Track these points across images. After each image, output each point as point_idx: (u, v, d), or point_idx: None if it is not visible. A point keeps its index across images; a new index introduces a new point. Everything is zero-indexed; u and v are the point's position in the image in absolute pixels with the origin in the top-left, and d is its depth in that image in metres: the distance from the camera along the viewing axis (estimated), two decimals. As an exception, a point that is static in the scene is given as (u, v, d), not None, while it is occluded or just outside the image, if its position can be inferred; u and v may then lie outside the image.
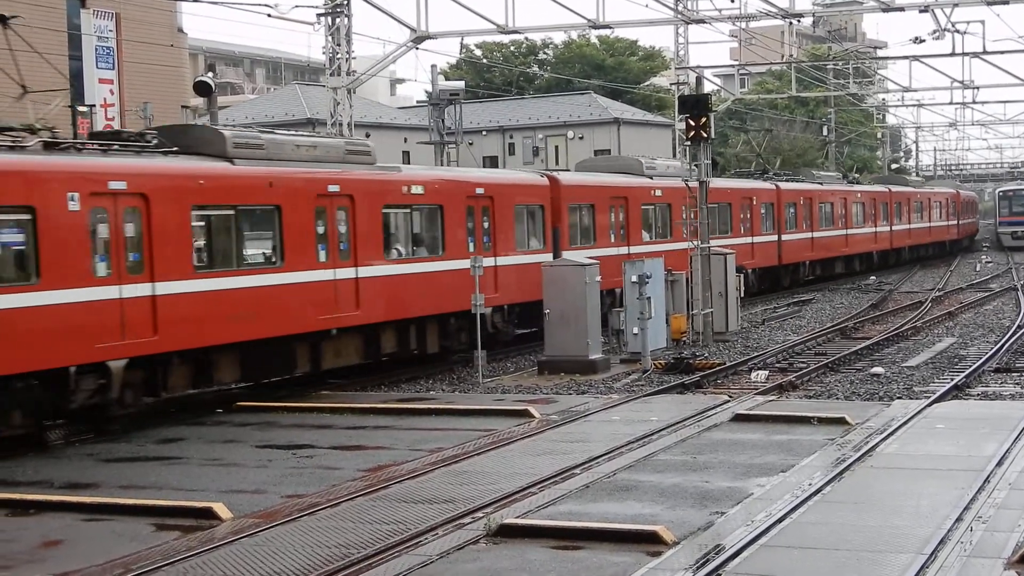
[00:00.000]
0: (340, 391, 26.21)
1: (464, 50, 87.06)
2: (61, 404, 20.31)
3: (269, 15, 33.68)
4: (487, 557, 13.12)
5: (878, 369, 27.66)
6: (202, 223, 23.10)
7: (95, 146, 22.11)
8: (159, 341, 21.59)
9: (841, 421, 20.60)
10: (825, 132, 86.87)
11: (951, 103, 73.37)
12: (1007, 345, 30.96)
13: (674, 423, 20.88)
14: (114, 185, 21.02)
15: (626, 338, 30.28)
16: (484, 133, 71.70)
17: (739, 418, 21.41)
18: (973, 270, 68.22)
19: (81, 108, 30.90)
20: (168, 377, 22.42)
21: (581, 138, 72.21)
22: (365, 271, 26.37)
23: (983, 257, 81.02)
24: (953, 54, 48.92)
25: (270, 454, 19.41)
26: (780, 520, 13.99)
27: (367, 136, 60.26)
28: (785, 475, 16.59)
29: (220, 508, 15.26)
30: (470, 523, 14.42)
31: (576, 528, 13.93)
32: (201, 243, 23.04)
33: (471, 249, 29.82)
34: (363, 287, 26.34)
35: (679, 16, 41.40)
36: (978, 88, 60.21)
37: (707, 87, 48.24)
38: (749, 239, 48.35)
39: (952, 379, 25.59)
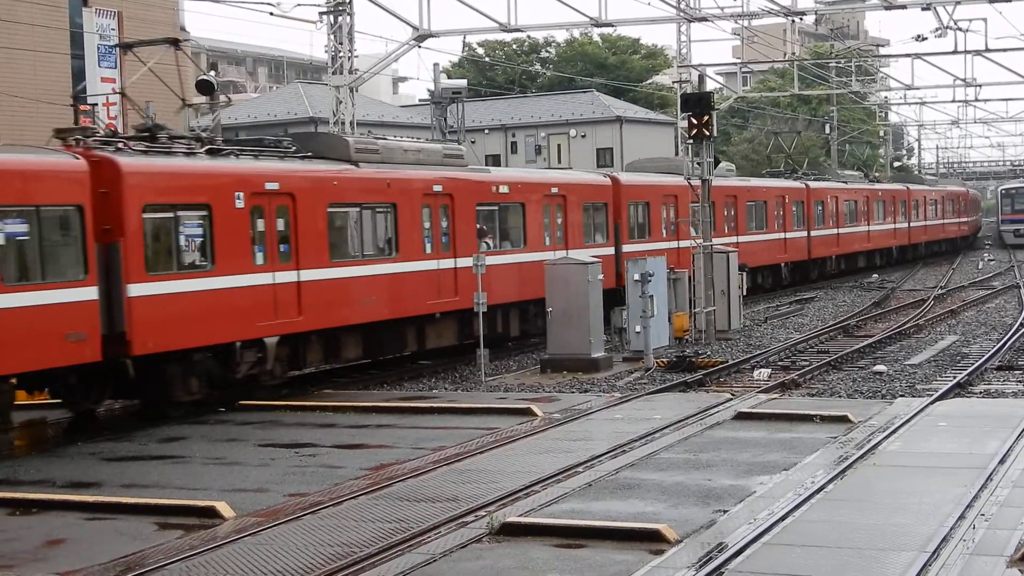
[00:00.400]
0: (342, 390, 26.23)
1: (466, 48, 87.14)
2: (228, 374, 23.67)
3: (271, 14, 33.70)
4: (490, 556, 13.13)
5: (880, 367, 27.66)
6: (335, 218, 26.39)
7: (248, 152, 25.24)
8: (303, 321, 24.99)
9: (843, 419, 20.60)
10: (828, 130, 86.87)
11: (953, 101, 73.42)
12: (1009, 343, 30.95)
13: (676, 421, 20.88)
14: (269, 186, 24.38)
15: (628, 336, 30.28)
16: (487, 132, 71.65)
17: (741, 416, 21.41)
18: (975, 268, 68.19)
19: (83, 107, 30.92)
20: (307, 353, 25.79)
21: (583, 136, 72.17)
22: (463, 262, 29.10)
23: (985, 255, 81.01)
24: (955, 52, 48.88)
25: (272, 453, 19.42)
26: (783, 518, 13.99)
27: (369, 134, 60.33)
28: (787, 473, 16.59)
29: (223, 507, 15.27)
30: (473, 521, 14.43)
31: (579, 526, 13.94)
32: (334, 236, 26.24)
33: (547, 243, 33.26)
34: (460, 276, 29.28)
35: (681, 14, 41.37)
36: (980, 86, 60.10)
37: (709, 85, 48.32)
38: (782, 235, 51.55)
39: (954, 377, 25.59)
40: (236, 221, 23.44)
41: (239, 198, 23.55)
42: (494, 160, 70.72)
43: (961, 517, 13.87)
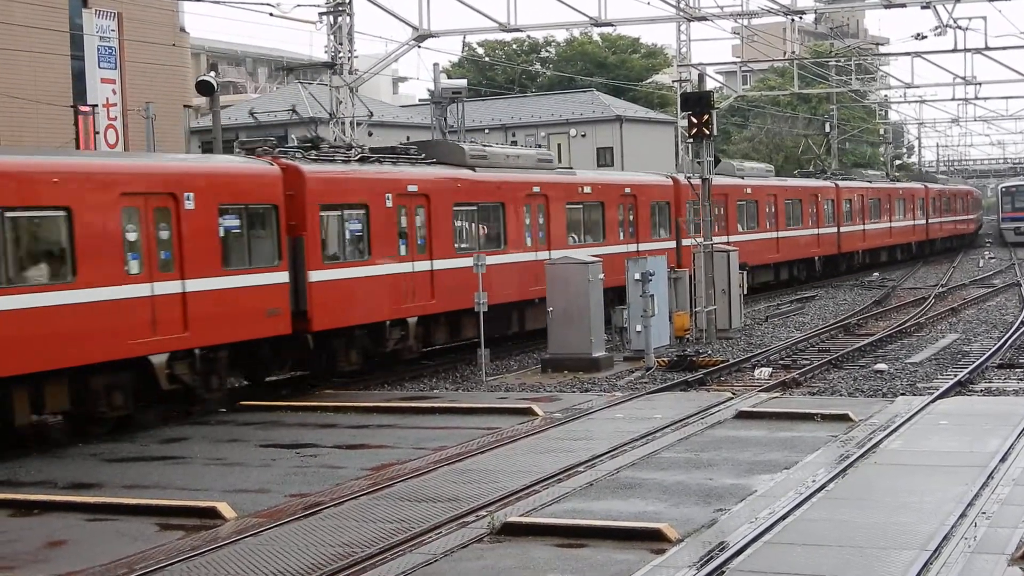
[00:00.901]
0: (343, 390, 26.23)
1: (466, 48, 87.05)
2: (379, 349, 27.48)
3: (271, 14, 33.69)
4: (491, 555, 13.13)
5: (881, 366, 27.66)
6: (458, 216, 30.41)
7: (388, 159, 29.30)
8: (435, 304, 28.90)
9: (844, 418, 20.60)
10: (827, 129, 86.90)
11: (953, 99, 73.32)
12: (1010, 341, 30.94)
13: (677, 421, 20.89)
14: (410, 188, 28.50)
15: (629, 336, 30.27)
16: (487, 131, 71.56)
17: (742, 415, 21.41)
18: (976, 266, 68.20)
19: (83, 108, 30.89)
20: (436, 332, 29.60)
21: (583, 136, 72.11)
22: (556, 254, 32.26)
23: (986, 253, 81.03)
24: (955, 50, 48.87)
25: (274, 453, 19.42)
26: (784, 517, 13.99)
27: (369, 135, 60.28)
28: (789, 472, 16.59)
29: (224, 507, 15.28)
30: (474, 521, 14.43)
31: (580, 526, 13.94)
32: (458, 231, 30.30)
33: (621, 237, 37.03)
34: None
35: (681, 13, 41.35)
36: (980, 84, 60.07)
37: (709, 84, 48.39)
38: (816, 231, 56.02)
39: (955, 375, 25.59)
40: (387, 218, 27.64)
41: (388, 199, 27.76)
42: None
43: (962, 515, 13.87)
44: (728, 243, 39.98)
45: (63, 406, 20.82)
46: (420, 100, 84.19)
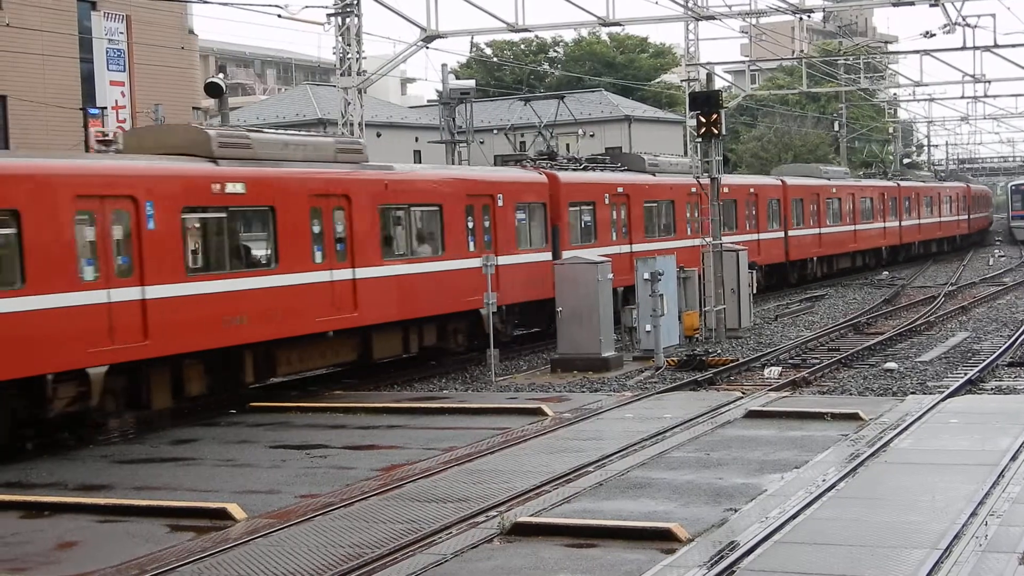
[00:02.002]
0: (353, 391, 26.24)
1: (474, 49, 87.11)
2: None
3: (279, 16, 33.67)
4: (501, 556, 13.13)
5: (891, 364, 27.63)
6: (646, 211, 38.58)
7: (598, 167, 38.06)
8: (629, 279, 33.14)
9: (854, 417, 20.57)
10: (836, 128, 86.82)
11: (962, 97, 73.13)
12: (1021, 339, 30.88)
13: (687, 420, 20.88)
14: (619, 189, 36.79)
15: (639, 335, 30.27)
16: (495, 132, 71.59)
17: (752, 415, 21.39)
18: (986, 264, 68.09)
19: (92, 111, 30.96)
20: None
21: (592, 136, 72.07)
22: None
23: (996, 251, 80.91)
24: (964, 48, 48.75)
25: (284, 454, 19.44)
26: (794, 516, 13.98)
27: (378, 136, 60.32)
28: (799, 471, 16.58)
29: (234, 509, 15.29)
30: (484, 522, 14.43)
31: (590, 526, 13.93)
32: (647, 222, 38.16)
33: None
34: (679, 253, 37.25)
35: (689, 13, 41.31)
36: (989, 82, 59.95)
37: (718, 83, 48.35)
38: (883, 224, 64.42)
39: (966, 374, 25.55)
40: (606, 212, 36.08)
41: (606, 198, 36.25)
42: (503, 160, 70.59)
43: (973, 514, 13.84)
44: (820, 235, 53.51)
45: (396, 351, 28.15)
46: (428, 101, 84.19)
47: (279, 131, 29.60)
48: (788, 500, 14.78)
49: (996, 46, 48.90)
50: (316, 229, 25.18)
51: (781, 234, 50.30)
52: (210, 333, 22.59)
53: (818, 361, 28.51)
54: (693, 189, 39.75)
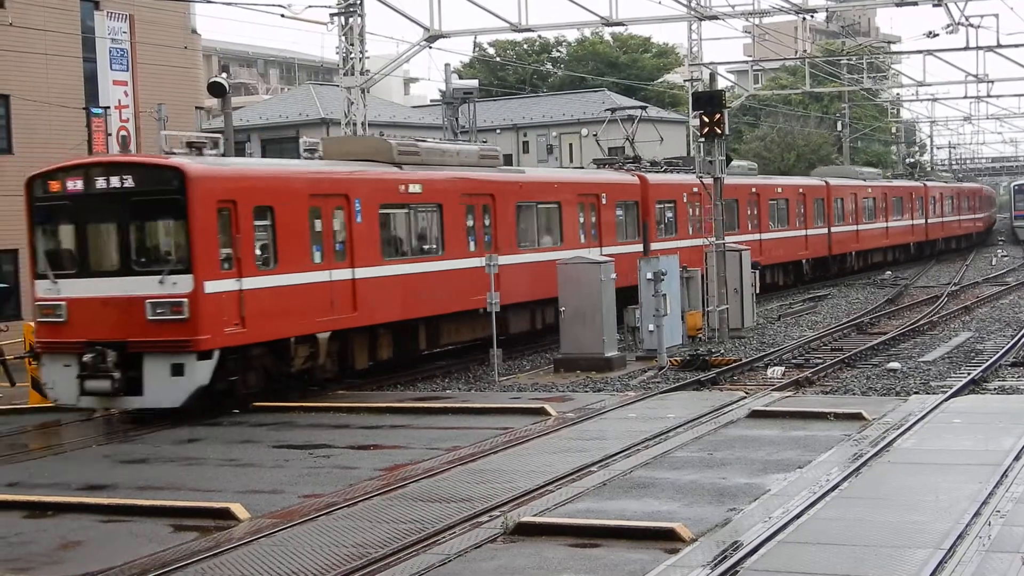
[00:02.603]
0: (356, 391, 26.24)
1: (477, 49, 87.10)
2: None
3: (282, 15, 33.73)
4: (504, 555, 13.13)
5: (894, 364, 27.61)
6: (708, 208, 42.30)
7: (673, 169, 43.45)
8: None
9: (858, 416, 20.56)
10: (839, 127, 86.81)
11: (965, 97, 73.24)
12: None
13: (690, 420, 20.87)
14: (694, 190, 39.65)
15: (642, 335, 30.26)
16: (498, 131, 71.56)
17: (755, 414, 21.38)
18: (989, 264, 68.06)
19: (95, 110, 30.93)
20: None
21: (595, 135, 72.05)
22: (766, 235, 46.53)
23: (999, 251, 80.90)
24: (967, 48, 48.79)
25: (287, 454, 19.44)
26: (798, 516, 13.97)
27: (381, 135, 60.26)
28: (802, 471, 16.57)
29: (238, 508, 15.29)
30: (487, 522, 14.43)
31: (593, 526, 13.93)
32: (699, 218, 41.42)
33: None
34: (765, 245, 46.27)
35: (692, 13, 41.33)
36: (992, 82, 60.00)
37: (721, 83, 48.37)
38: (911, 222, 69.98)
39: (969, 373, 25.53)
40: (684, 209, 41.68)
41: (684, 197, 41.55)
42: (506, 160, 70.60)
43: (976, 514, 13.83)
44: (857, 231, 59.60)
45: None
46: (432, 101, 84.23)
47: (434, 140, 35.05)
48: (791, 500, 14.78)
49: (999, 46, 48.91)
50: (469, 223, 30.48)
51: (825, 230, 56.07)
52: (397, 307, 27.60)
53: (821, 361, 28.50)
54: (753, 189, 48.28)
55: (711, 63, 52.49)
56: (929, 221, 73.44)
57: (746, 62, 66.73)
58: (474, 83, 57.25)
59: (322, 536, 14.09)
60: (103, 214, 23.12)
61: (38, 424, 23.84)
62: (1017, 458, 16.75)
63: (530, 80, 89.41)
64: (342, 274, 25.91)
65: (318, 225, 25.50)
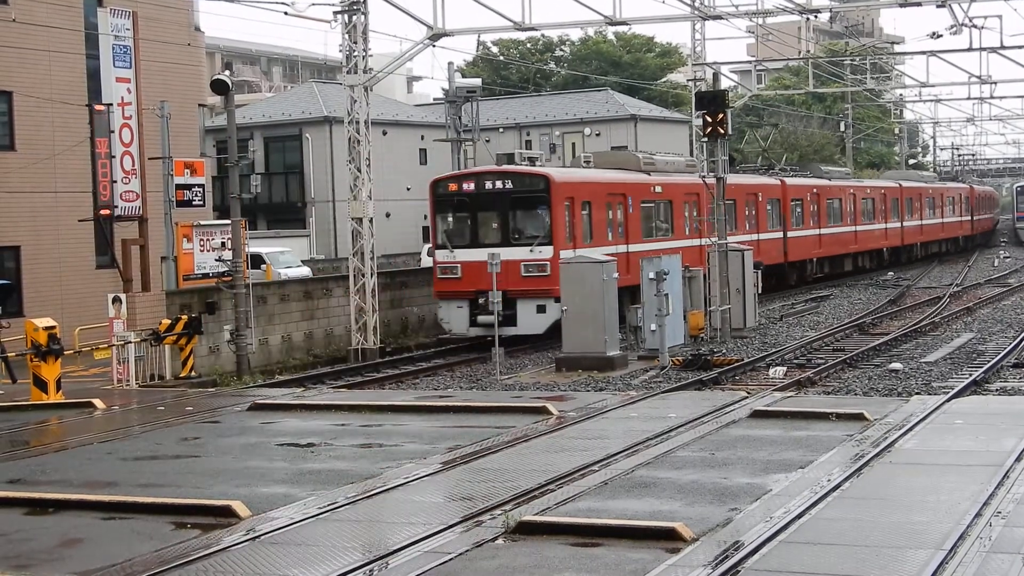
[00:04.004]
0: (357, 388, 26.23)
1: (481, 47, 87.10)
2: (835, 271, 59.83)
3: (286, 13, 33.73)
4: (505, 555, 13.12)
5: (896, 365, 27.61)
6: (835, 204, 58.84)
7: (794, 173, 55.87)
8: (821, 251, 56.98)
9: (859, 417, 20.54)
10: (842, 128, 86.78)
11: (968, 98, 73.21)
12: (1026, 340, 30.87)
13: (692, 420, 20.85)
14: (814, 191, 52.55)
15: (644, 335, 30.27)
16: (501, 130, 71.58)
17: (757, 414, 21.37)
18: (991, 265, 68.04)
19: (98, 107, 30.88)
20: (823, 268, 58.06)
21: (598, 135, 72.08)
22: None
23: (1001, 252, 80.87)
24: (970, 49, 48.80)
25: (288, 452, 19.43)
26: (799, 516, 13.96)
27: (384, 134, 60.30)
28: (804, 471, 16.56)
29: (239, 506, 15.27)
30: (488, 521, 14.42)
31: (594, 525, 13.91)
32: (828, 214, 55.15)
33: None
34: (860, 235, 62.24)
35: (696, 12, 41.31)
36: (995, 83, 59.96)
37: (724, 83, 48.42)
38: (941, 220, 79.85)
39: (971, 374, 25.54)
40: (806, 206, 52.82)
41: (808, 196, 53.08)
42: (507, 159, 70.59)
43: (978, 515, 13.82)
44: (902, 228, 69.64)
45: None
46: (435, 99, 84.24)
47: (661, 153, 47.70)
48: (793, 500, 14.77)
49: (1003, 47, 48.91)
50: (686, 214, 43.46)
51: (898, 224, 68.90)
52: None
53: (823, 361, 28.50)
54: (851, 191, 62.00)
55: (714, 63, 52.46)
56: (975, 218, 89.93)
57: (749, 62, 66.75)
58: (477, 82, 57.26)
59: (324, 535, 14.08)
60: (491, 205, 36.18)
61: (39, 421, 23.82)
62: (1018, 459, 16.73)
63: (533, 79, 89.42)
64: (622, 249, 37.86)
65: (610, 215, 38.52)
